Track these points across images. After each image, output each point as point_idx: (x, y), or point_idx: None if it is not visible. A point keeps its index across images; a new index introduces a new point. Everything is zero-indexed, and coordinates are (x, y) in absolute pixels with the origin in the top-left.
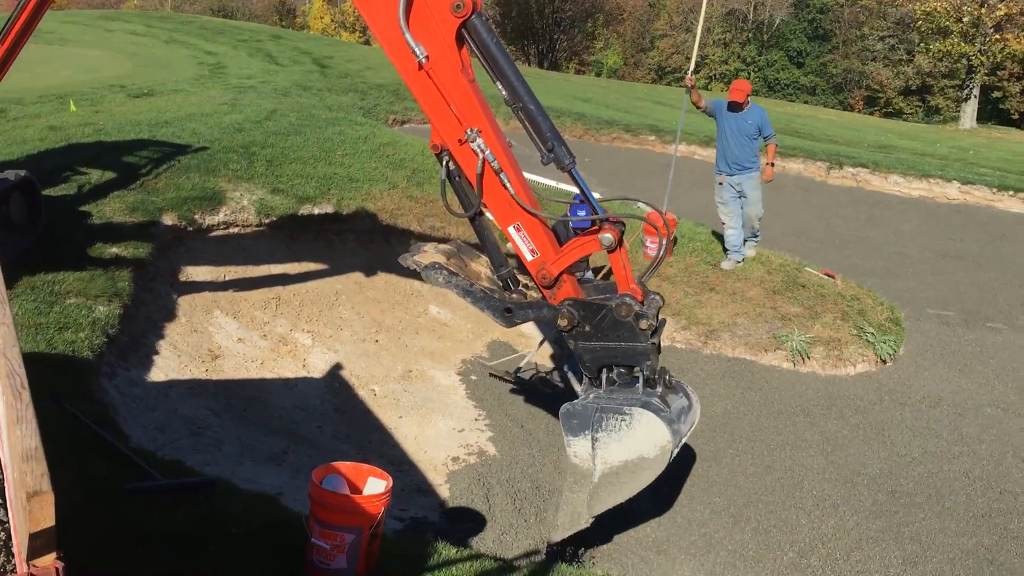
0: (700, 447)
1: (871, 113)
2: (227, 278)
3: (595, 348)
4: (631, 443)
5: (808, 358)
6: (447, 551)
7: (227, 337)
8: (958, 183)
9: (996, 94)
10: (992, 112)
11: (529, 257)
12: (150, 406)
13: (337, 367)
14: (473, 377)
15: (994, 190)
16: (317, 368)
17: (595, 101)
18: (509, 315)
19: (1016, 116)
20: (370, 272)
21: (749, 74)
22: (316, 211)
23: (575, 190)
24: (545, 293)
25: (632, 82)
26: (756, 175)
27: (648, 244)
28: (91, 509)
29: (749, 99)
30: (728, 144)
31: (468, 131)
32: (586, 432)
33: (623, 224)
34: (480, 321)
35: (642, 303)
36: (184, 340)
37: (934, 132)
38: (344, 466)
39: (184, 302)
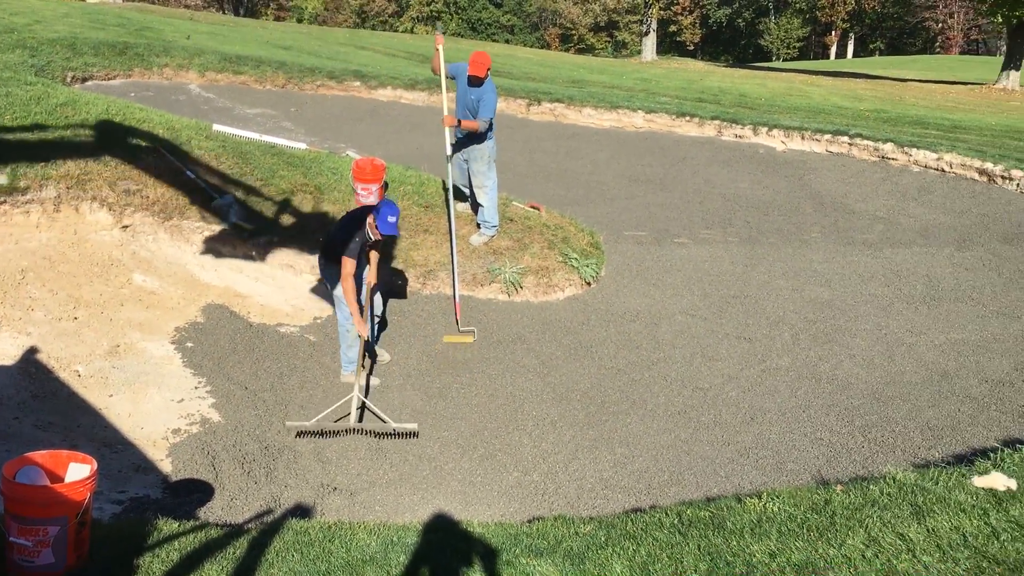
0: (427, 384)
1: (567, 50)
2: None
3: None
4: None
5: (521, 288)
6: (169, 527)
7: None
8: (643, 112)
9: (672, 28)
10: (671, 44)
11: None
12: None
13: (32, 351)
14: (189, 344)
15: (674, 116)
16: (7, 355)
17: (296, 48)
18: None
19: (691, 47)
20: (61, 245)
21: (452, 15)
22: None
23: (281, 140)
24: None
25: (333, 27)
26: (482, 148)
27: (359, 190)
28: None
29: (489, 74)
30: (457, 113)
31: None
32: None
33: None
34: (191, 286)
35: None
36: None
37: (621, 65)
38: (40, 455)
39: None
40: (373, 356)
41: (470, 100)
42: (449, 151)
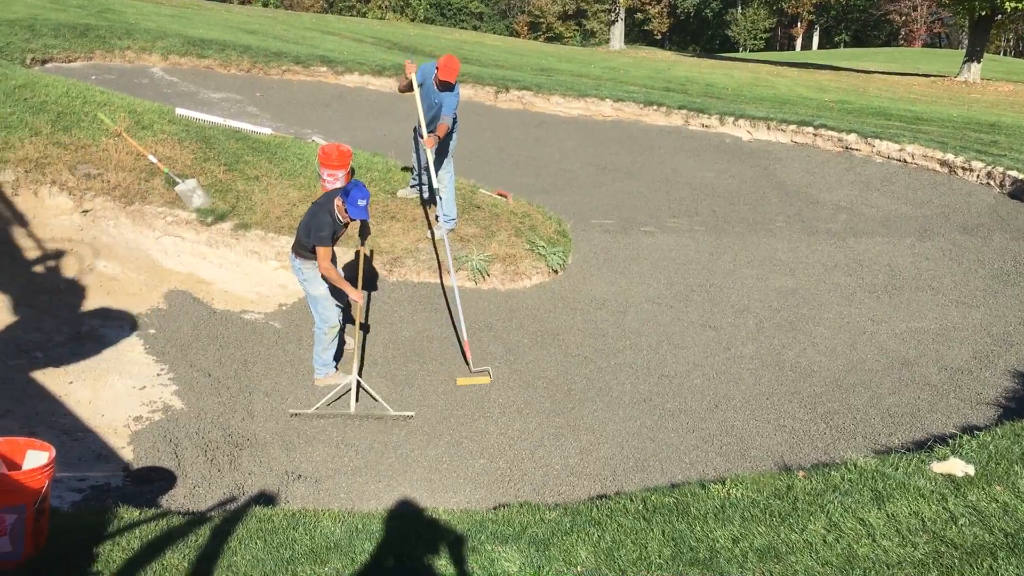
0: (393, 372)
1: (536, 38)
2: None
3: None
4: None
5: (488, 276)
6: (130, 515)
7: None
8: (611, 101)
9: (639, 16)
10: (639, 34)
11: None
12: None
13: None
14: (152, 331)
15: (641, 106)
16: None
17: (262, 33)
18: None
19: (659, 36)
20: (20, 229)
21: (421, 1)
22: None
23: (245, 125)
24: None
25: (300, 12)
26: (445, 144)
27: (325, 176)
28: None
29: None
30: (423, 111)
31: None
32: None
33: None
34: (154, 272)
35: None
36: None
37: (589, 54)
38: None
39: None
40: (365, 331)
41: (433, 102)
42: (429, 165)
